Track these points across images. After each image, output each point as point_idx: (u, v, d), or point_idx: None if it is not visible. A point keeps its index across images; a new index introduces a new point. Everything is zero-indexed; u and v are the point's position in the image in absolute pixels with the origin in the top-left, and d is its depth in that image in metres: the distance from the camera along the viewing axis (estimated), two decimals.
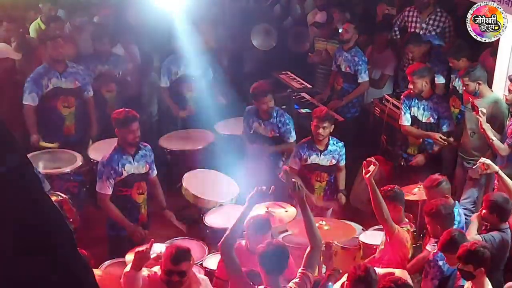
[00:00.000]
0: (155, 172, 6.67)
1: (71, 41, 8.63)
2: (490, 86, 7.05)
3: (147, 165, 6.50)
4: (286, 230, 6.45)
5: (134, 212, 6.46)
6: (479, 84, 6.87)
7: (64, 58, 7.72)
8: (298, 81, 9.53)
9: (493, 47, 7.30)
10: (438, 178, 6.11)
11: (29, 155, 6.76)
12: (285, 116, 7.46)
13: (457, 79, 7.53)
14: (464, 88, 7.03)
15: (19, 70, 8.38)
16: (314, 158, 7.05)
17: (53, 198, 5.90)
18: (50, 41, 7.66)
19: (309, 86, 9.41)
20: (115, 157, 6.28)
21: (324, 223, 6.06)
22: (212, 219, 6.59)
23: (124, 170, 6.30)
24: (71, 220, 6.02)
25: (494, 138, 6.59)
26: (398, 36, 9.08)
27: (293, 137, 7.44)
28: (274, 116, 7.42)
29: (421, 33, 8.69)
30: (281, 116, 7.44)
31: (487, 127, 6.56)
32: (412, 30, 8.83)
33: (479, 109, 6.53)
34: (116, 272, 5.67)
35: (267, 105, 7.31)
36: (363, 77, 8.67)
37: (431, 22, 8.74)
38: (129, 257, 5.61)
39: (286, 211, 6.41)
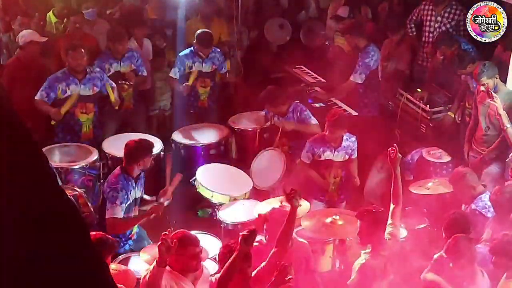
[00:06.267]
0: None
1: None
2: (505, 80, 7.01)
3: (142, 190, 6.44)
4: (300, 225, 6.44)
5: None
6: (496, 78, 6.83)
7: (84, 68, 7.67)
8: (312, 75, 9.50)
9: (507, 41, 7.25)
10: (463, 171, 6.10)
11: (44, 149, 6.80)
12: (300, 106, 7.52)
13: (472, 79, 7.50)
14: (484, 87, 6.82)
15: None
16: (328, 155, 6.99)
17: (68, 192, 5.92)
18: (71, 51, 7.59)
19: (323, 80, 9.37)
20: (125, 183, 6.12)
21: (338, 217, 6.04)
22: (225, 214, 6.60)
23: (130, 195, 6.18)
24: (86, 214, 6.05)
25: (508, 125, 6.60)
26: (414, 33, 9.02)
27: (314, 120, 7.45)
28: (290, 110, 7.48)
29: (435, 26, 8.64)
30: (296, 110, 7.49)
31: (503, 113, 6.58)
32: (427, 23, 8.79)
33: (494, 97, 6.57)
34: (131, 266, 5.71)
35: (281, 109, 7.47)
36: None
37: (446, 15, 8.68)
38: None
39: (300, 205, 6.39)
